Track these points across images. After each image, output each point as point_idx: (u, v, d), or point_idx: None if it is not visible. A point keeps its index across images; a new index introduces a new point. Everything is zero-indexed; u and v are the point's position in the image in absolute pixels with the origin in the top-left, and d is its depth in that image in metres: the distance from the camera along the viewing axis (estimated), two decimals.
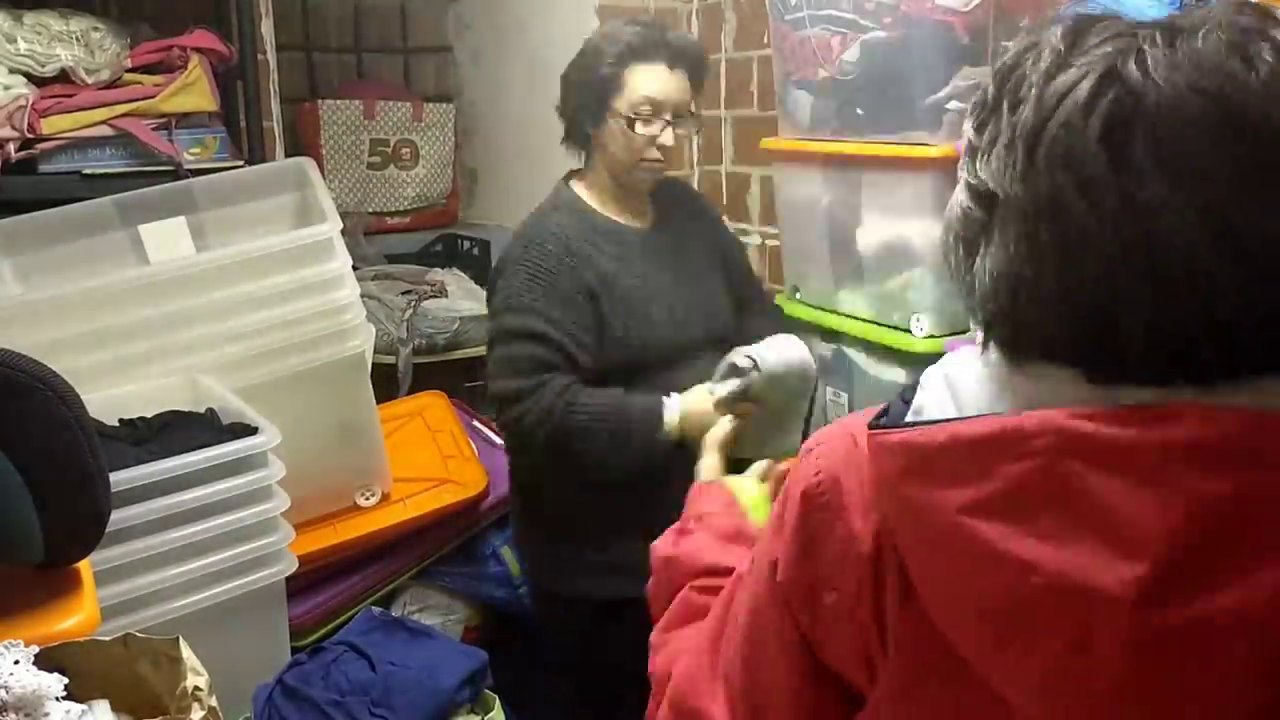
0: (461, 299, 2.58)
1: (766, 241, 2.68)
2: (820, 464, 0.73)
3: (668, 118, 1.68)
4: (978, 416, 0.62)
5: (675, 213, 1.86)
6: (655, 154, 1.70)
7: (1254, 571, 0.54)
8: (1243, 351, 0.58)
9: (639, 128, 1.67)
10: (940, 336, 1.85)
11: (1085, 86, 0.59)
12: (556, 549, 1.81)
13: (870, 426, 0.68)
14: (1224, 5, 0.60)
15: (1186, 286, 0.57)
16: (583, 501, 1.75)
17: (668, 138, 1.68)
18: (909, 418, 0.68)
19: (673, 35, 1.72)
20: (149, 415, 1.56)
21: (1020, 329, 0.63)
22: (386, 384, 2.32)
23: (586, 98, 1.70)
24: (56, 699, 0.84)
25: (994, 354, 0.66)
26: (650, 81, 1.67)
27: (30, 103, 1.93)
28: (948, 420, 0.63)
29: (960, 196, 0.67)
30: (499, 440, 2.26)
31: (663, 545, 1.07)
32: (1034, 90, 0.61)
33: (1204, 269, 0.56)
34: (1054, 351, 0.62)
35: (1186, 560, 0.54)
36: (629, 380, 1.69)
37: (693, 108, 1.75)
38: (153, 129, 2.04)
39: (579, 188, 1.80)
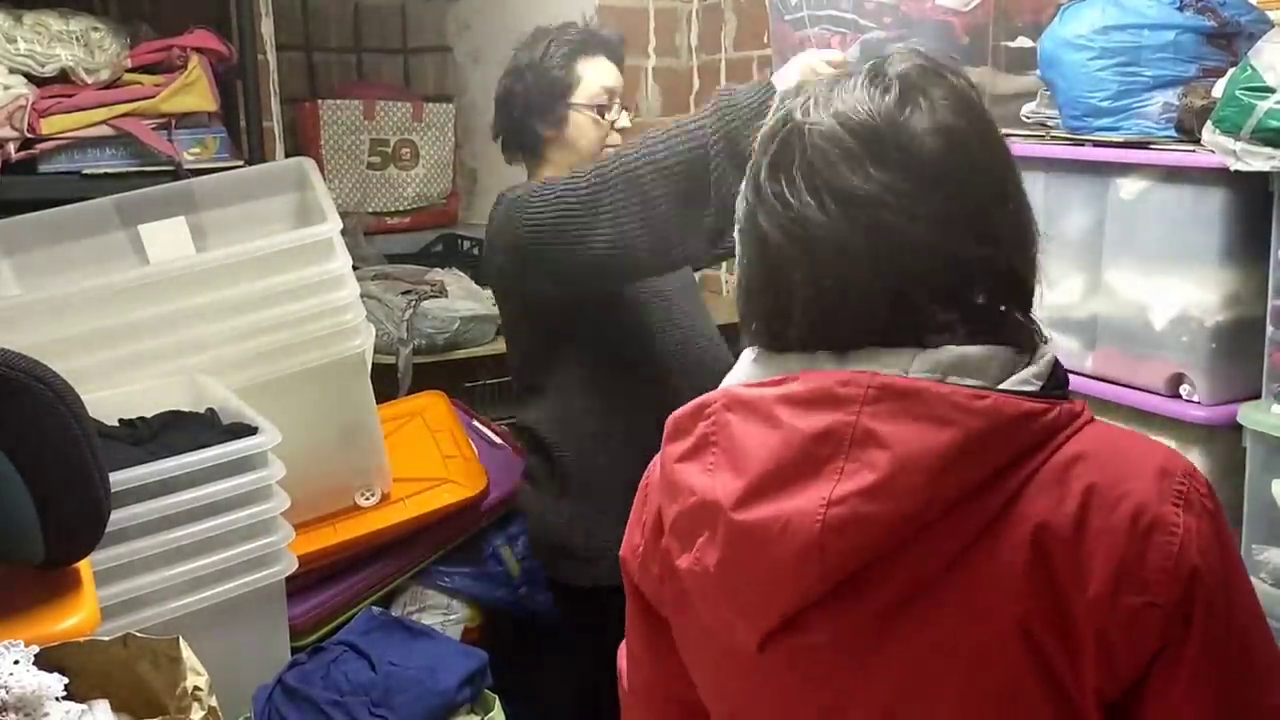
0: (461, 299, 2.57)
1: None
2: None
3: (620, 103, 1.82)
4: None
5: None
6: (617, 138, 1.81)
7: (820, 482, 0.73)
8: (868, 329, 0.77)
9: (602, 113, 1.79)
10: None
11: (765, 133, 0.81)
12: (577, 530, 1.78)
13: None
14: (897, 54, 0.80)
15: (833, 277, 0.76)
16: (611, 461, 1.74)
17: (625, 120, 1.81)
18: None
19: (601, 31, 1.87)
20: (149, 415, 1.56)
21: (741, 322, 0.86)
22: (386, 384, 2.32)
23: (539, 102, 1.79)
24: (56, 699, 0.84)
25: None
26: (602, 73, 1.80)
27: (30, 103, 1.93)
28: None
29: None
30: (499, 440, 2.26)
31: None
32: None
33: (851, 263, 0.75)
34: (754, 337, 0.84)
35: (774, 475, 0.74)
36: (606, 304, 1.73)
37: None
38: (153, 129, 2.04)
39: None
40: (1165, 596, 0.70)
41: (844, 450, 0.72)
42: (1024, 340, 0.78)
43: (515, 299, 1.83)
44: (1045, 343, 0.80)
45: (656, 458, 0.90)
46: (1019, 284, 0.80)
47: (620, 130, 1.81)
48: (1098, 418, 0.78)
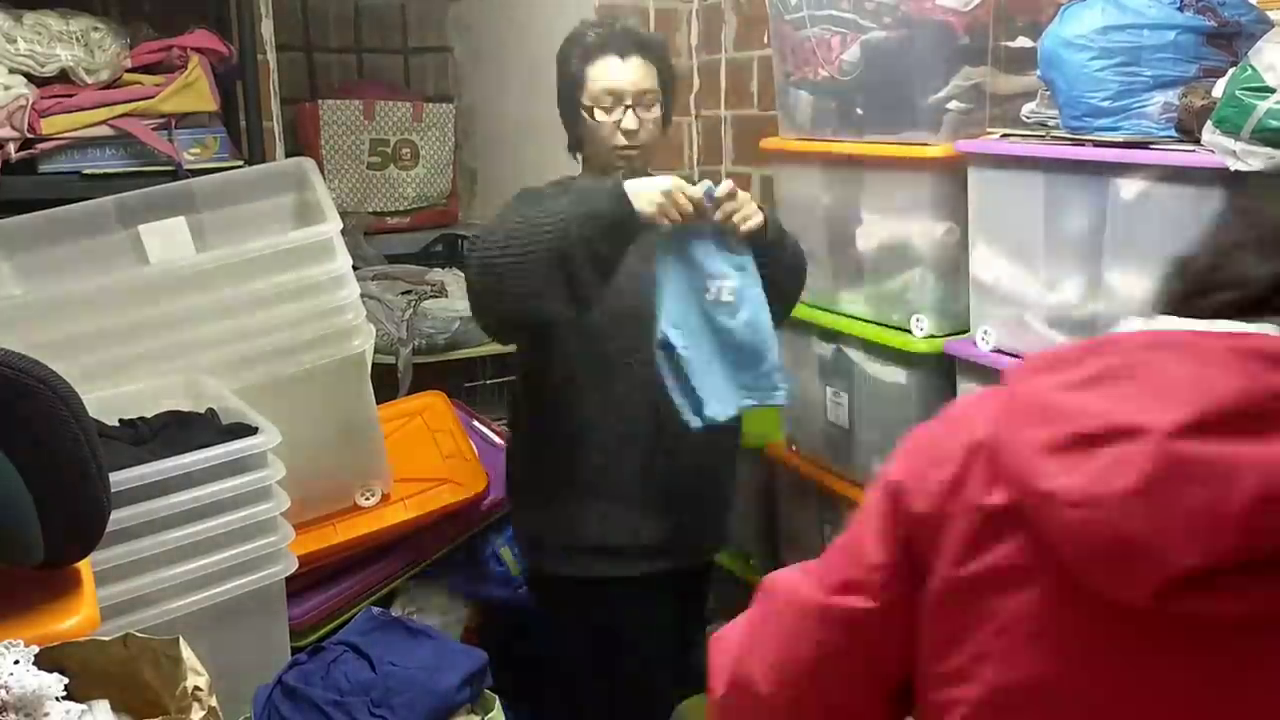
0: (461, 299, 2.57)
1: None
2: None
3: (628, 104, 1.75)
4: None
5: None
6: (623, 140, 1.75)
7: (1269, 439, 0.65)
8: None
9: (598, 115, 1.75)
10: (940, 337, 1.85)
11: None
12: (558, 519, 1.79)
13: None
14: None
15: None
16: (584, 457, 1.75)
17: (629, 121, 1.74)
18: None
19: (624, 28, 1.82)
20: (149, 415, 1.56)
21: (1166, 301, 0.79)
22: (386, 384, 2.32)
23: (564, 101, 1.81)
24: (56, 699, 0.84)
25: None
26: (605, 73, 1.75)
27: (30, 103, 1.93)
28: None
29: None
30: (499, 440, 2.26)
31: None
32: None
33: None
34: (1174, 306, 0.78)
35: (1227, 418, 0.66)
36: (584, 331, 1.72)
37: (658, 91, 1.80)
38: (153, 129, 2.04)
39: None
40: None
41: None
42: None
43: None
44: None
45: (974, 400, 0.82)
46: None
47: (626, 132, 1.74)
48: None
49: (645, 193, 1.54)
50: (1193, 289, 0.76)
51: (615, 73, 1.74)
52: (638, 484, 1.74)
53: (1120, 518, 0.66)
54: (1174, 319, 0.75)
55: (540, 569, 1.87)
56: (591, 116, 1.75)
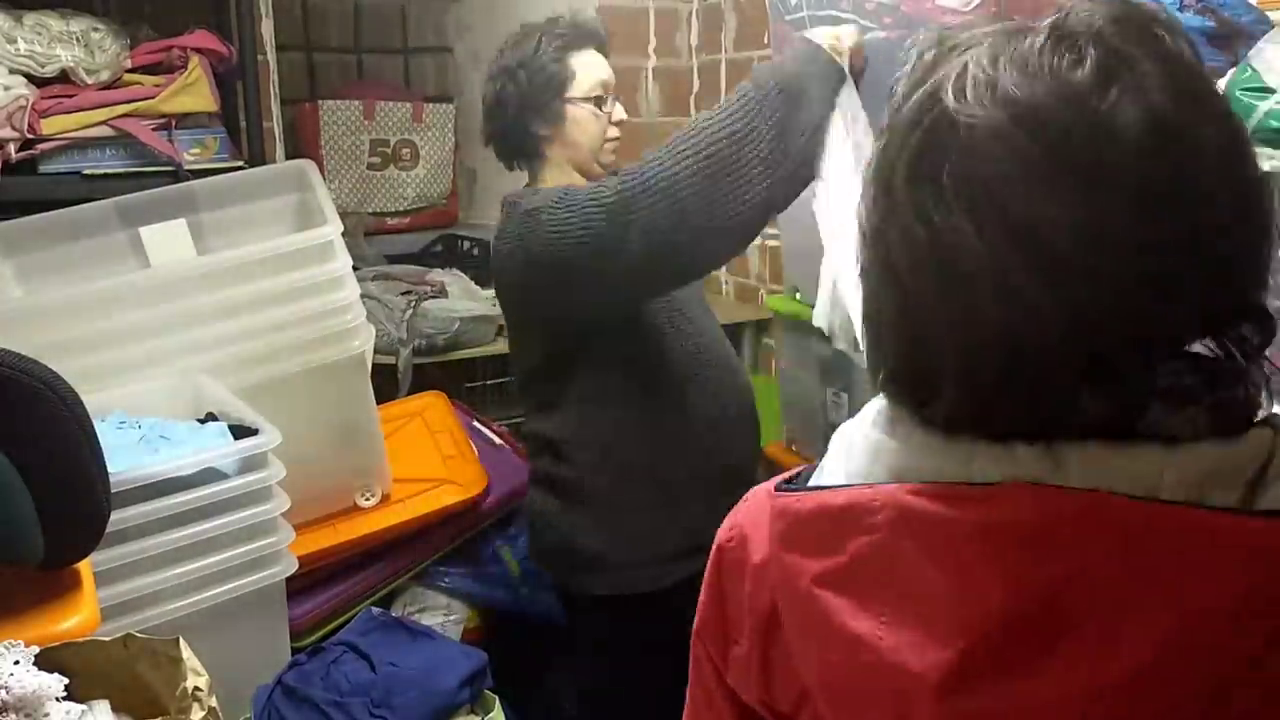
0: (461, 299, 2.57)
1: (766, 241, 2.68)
2: (736, 519, 0.73)
3: (614, 95, 1.78)
4: (844, 486, 0.61)
5: None
6: (615, 131, 1.77)
7: (1070, 659, 0.52)
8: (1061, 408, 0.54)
9: (604, 107, 1.75)
10: None
11: (905, 115, 0.57)
12: (593, 538, 1.73)
13: (776, 488, 0.67)
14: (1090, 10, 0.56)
15: (998, 321, 0.54)
16: (626, 471, 1.70)
17: (620, 112, 1.78)
18: (813, 480, 0.67)
19: (587, 23, 1.82)
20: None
21: (871, 369, 0.63)
22: (386, 384, 2.32)
23: (535, 101, 1.75)
24: (56, 699, 0.84)
25: (873, 414, 0.63)
26: (595, 66, 1.76)
27: (30, 103, 1.93)
28: (820, 488, 0.63)
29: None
30: (499, 440, 2.26)
31: None
32: (886, 120, 0.60)
33: (1016, 294, 0.53)
34: (892, 395, 0.61)
35: (1000, 646, 0.53)
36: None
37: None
38: (153, 129, 2.04)
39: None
40: None
41: (1095, 612, 0.51)
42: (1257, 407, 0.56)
43: (528, 311, 1.75)
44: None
45: (758, 525, 0.68)
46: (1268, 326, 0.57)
47: (617, 123, 1.77)
48: None
49: (835, 40, 1.57)
50: (905, 385, 0.60)
51: (601, 65, 1.76)
52: (718, 481, 1.71)
53: None
54: (931, 446, 0.59)
55: (607, 586, 1.74)
56: (599, 108, 1.74)
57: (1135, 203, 0.52)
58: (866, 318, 0.63)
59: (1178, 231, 0.52)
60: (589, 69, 1.75)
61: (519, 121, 1.77)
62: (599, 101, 1.74)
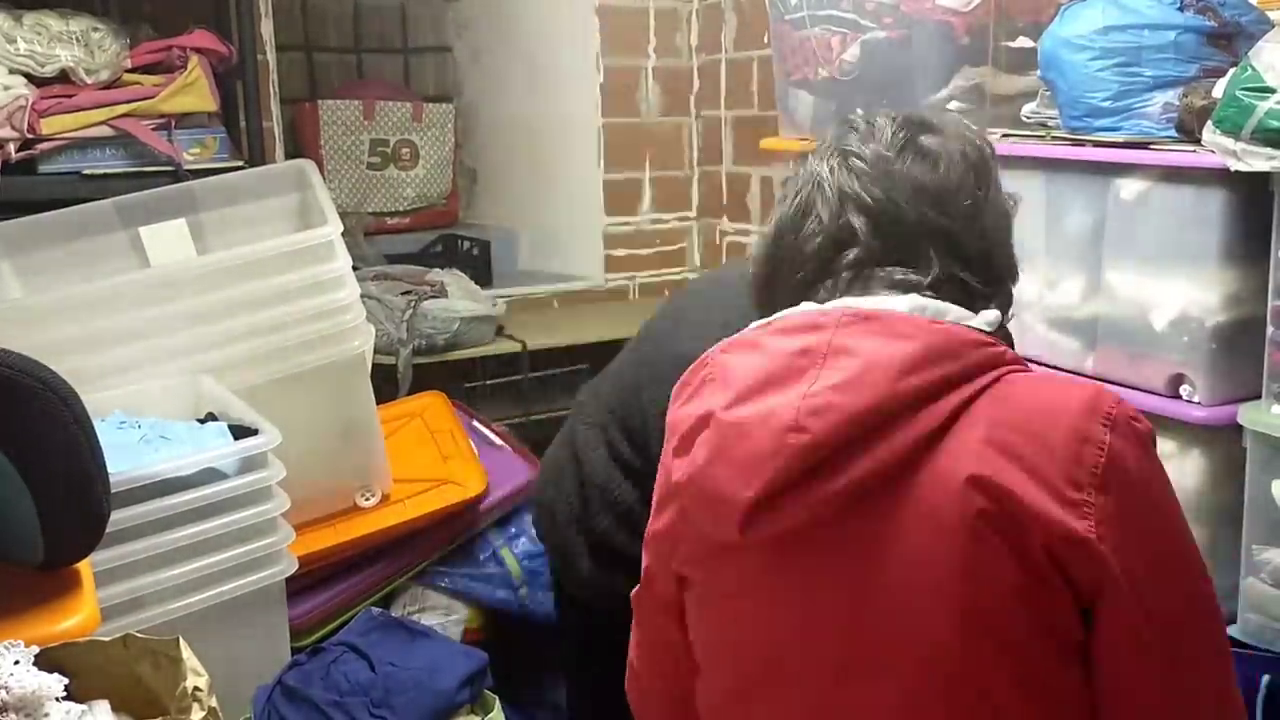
0: (461, 299, 2.57)
1: None
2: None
3: None
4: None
5: None
6: None
7: (795, 385, 0.88)
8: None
9: None
10: None
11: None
12: None
13: None
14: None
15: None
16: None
17: None
18: None
19: None
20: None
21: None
22: (386, 384, 2.32)
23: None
24: (56, 699, 0.84)
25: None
26: None
27: (30, 103, 1.93)
28: None
29: None
30: (499, 440, 2.26)
31: None
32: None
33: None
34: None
35: (758, 385, 0.88)
36: None
37: None
38: (153, 129, 2.04)
39: None
40: (1096, 497, 0.81)
41: (819, 361, 0.86)
42: (977, 309, 0.94)
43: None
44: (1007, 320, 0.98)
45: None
46: (988, 265, 0.97)
47: None
48: None
49: None
50: (760, 286, 1.02)
51: None
52: None
53: (706, 481, 0.89)
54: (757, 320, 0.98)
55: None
56: None
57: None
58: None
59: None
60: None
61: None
62: None
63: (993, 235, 0.98)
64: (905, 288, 0.92)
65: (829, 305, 0.92)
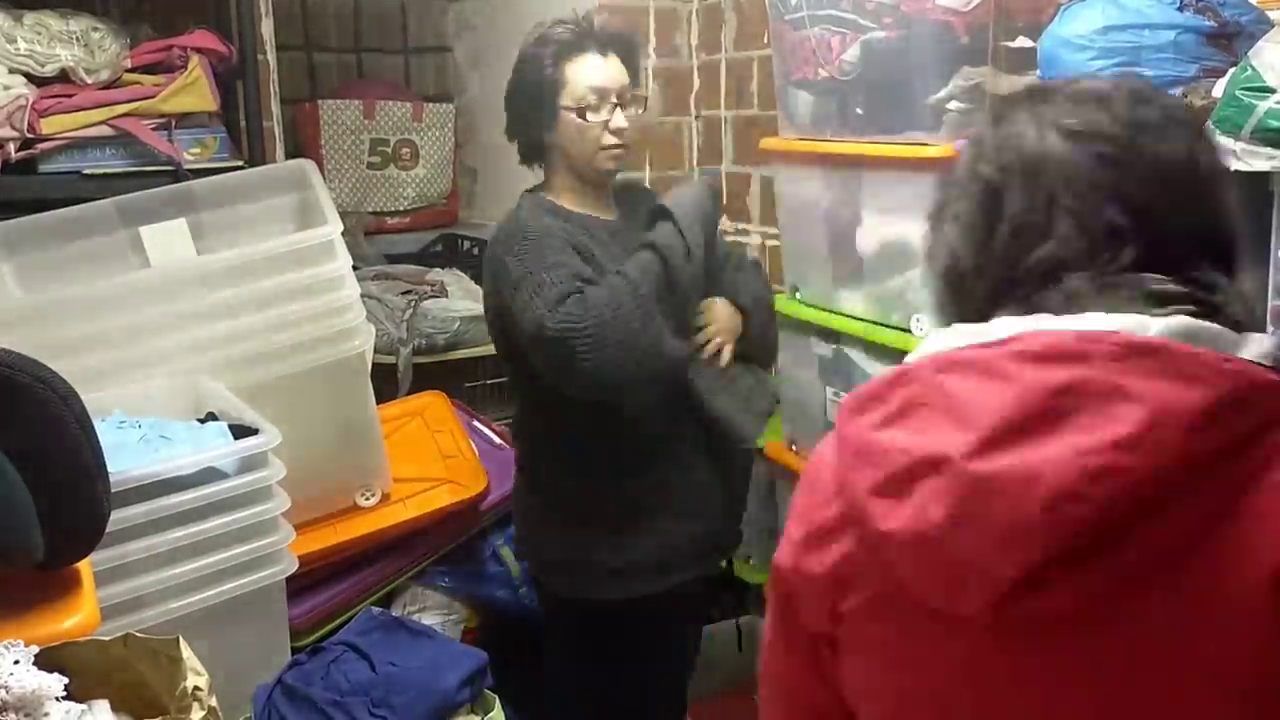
0: (461, 299, 2.57)
1: (766, 241, 2.68)
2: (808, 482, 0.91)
3: (614, 102, 1.71)
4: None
5: (638, 208, 1.83)
6: (612, 139, 1.71)
7: (1063, 435, 0.69)
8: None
9: (589, 116, 1.69)
10: None
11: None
12: (570, 547, 1.76)
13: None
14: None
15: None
16: (598, 487, 1.73)
17: (619, 119, 1.71)
18: None
19: (597, 25, 1.77)
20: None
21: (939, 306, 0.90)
22: (386, 384, 2.32)
23: (534, 105, 1.73)
24: (56, 699, 0.84)
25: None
26: (588, 71, 1.70)
27: (30, 103, 1.93)
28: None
29: None
30: (499, 440, 2.26)
31: None
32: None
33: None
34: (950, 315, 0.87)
35: (1011, 428, 0.70)
36: None
37: (635, 91, 1.78)
38: (153, 129, 2.04)
39: (542, 196, 1.79)
40: None
41: (1090, 404, 0.69)
42: (1242, 323, 0.78)
43: (488, 313, 1.81)
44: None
45: (826, 447, 0.85)
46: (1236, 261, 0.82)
47: (616, 131, 1.70)
48: None
49: None
50: (957, 294, 0.86)
51: (599, 71, 1.70)
52: (693, 495, 1.74)
53: (944, 545, 0.71)
54: (961, 328, 0.81)
55: (571, 593, 1.79)
56: (582, 117, 1.68)
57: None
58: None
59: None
60: (582, 75, 1.69)
61: (522, 125, 1.76)
62: (587, 110, 1.68)
63: (1234, 219, 0.83)
64: (1162, 300, 0.76)
65: (1087, 327, 0.73)
